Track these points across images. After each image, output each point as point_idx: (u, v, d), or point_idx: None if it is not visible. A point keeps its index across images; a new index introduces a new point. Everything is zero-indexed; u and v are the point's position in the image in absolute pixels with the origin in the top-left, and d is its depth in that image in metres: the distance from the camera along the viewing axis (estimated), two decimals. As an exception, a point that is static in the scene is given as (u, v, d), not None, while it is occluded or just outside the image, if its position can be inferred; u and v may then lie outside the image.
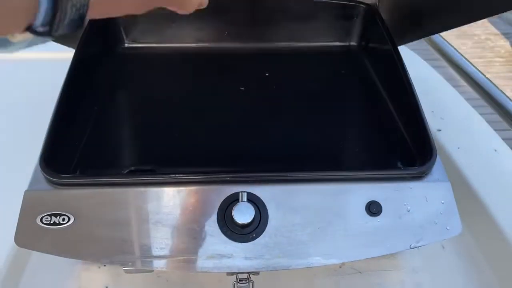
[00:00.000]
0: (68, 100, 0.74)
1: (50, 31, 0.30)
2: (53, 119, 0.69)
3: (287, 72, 0.94)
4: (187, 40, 1.00)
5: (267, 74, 0.93)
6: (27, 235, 0.60)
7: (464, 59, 1.12)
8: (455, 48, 1.14)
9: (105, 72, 0.91)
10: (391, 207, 0.62)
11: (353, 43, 1.02)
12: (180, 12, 0.45)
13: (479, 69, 1.07)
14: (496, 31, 5.02)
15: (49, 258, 0.64)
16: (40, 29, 0.30)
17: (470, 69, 1.08)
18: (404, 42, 0.93)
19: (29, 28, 0.29)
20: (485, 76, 1.05)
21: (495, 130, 1.00)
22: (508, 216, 0.77)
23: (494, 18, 5.22)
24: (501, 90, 1.00)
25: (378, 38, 0.91)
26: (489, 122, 1.03)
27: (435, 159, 0.65)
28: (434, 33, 0.91)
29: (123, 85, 0.92)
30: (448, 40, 1.16)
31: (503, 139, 0.97)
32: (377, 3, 0.97)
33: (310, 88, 0.91)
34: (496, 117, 0.99)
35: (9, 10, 0.28)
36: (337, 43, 1.02)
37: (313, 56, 1.00)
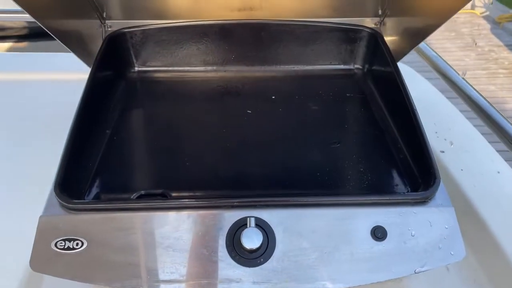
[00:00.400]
0: (82, 126, 0.76)
1: None
2: (66, 147, 0.71)
3: (293, 95, 0.97)
4: (195, 64, 1.03)
5: (273, 97, 0.96)
6: (42, 260, 0.61)
7: (455, 72, 1.14)
8: (447, 63, 1.17)
9: (116, 96, 0.94)
10: (396, 232, 0.63)
11: (357, 66, 1.04)
12: None
13: (483, 81, 1.11)
14: (499, 42, 5.03)
15: (61, 281, 0.65)
16: None
17: (460, 82, 1.10)
18: (402, 56, 0.96)
19: None
20: (474, 88, 1.08)
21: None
22: (512, 239, 0.78)
23: (498, 29, 5.26)
24: (490, 103, 1.02)
25: (381, 61, 0.94)
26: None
27: (439, 184, 0.66)
28: (421, 41, 0.95)
29: (133, 109, 0.95)
30: (451, 52, 1.20)
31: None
32: (379, 26, 1.00)
33: (316, 111, 0.93)
34: (486, 129, 1.01)
35: None
36: (342, 66, 1.04)
37: (318, 79, 1.02)
